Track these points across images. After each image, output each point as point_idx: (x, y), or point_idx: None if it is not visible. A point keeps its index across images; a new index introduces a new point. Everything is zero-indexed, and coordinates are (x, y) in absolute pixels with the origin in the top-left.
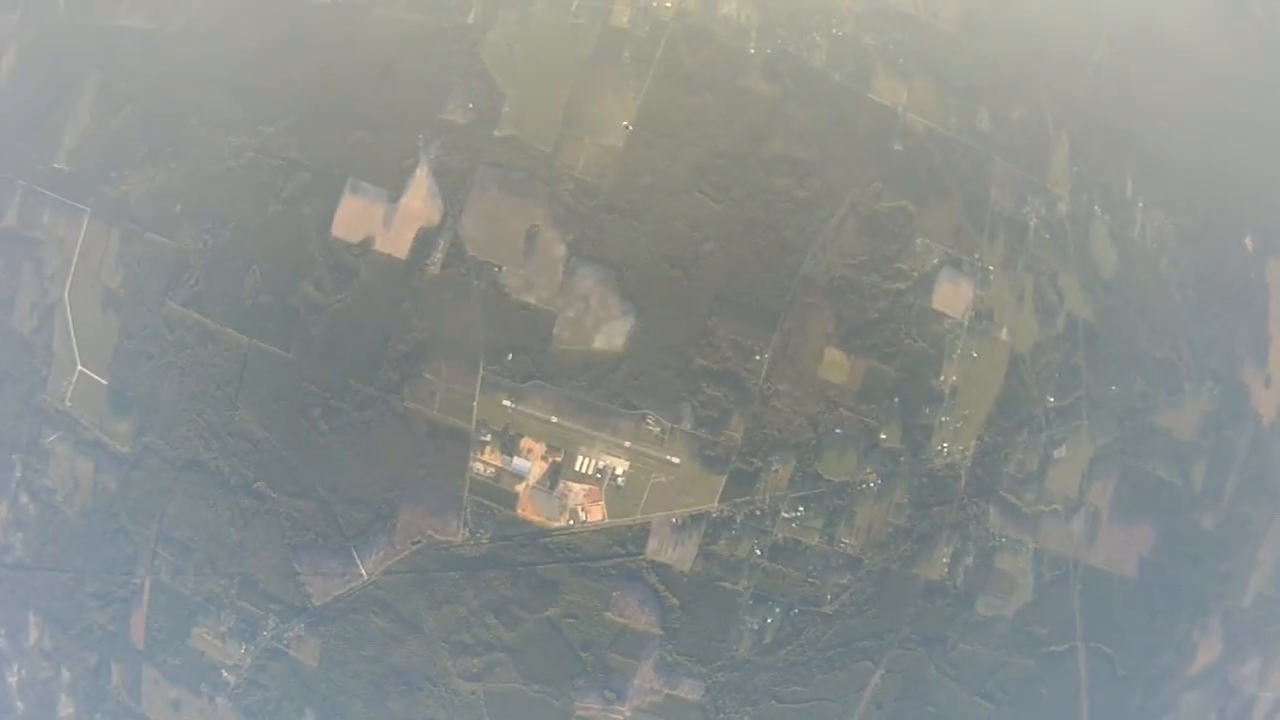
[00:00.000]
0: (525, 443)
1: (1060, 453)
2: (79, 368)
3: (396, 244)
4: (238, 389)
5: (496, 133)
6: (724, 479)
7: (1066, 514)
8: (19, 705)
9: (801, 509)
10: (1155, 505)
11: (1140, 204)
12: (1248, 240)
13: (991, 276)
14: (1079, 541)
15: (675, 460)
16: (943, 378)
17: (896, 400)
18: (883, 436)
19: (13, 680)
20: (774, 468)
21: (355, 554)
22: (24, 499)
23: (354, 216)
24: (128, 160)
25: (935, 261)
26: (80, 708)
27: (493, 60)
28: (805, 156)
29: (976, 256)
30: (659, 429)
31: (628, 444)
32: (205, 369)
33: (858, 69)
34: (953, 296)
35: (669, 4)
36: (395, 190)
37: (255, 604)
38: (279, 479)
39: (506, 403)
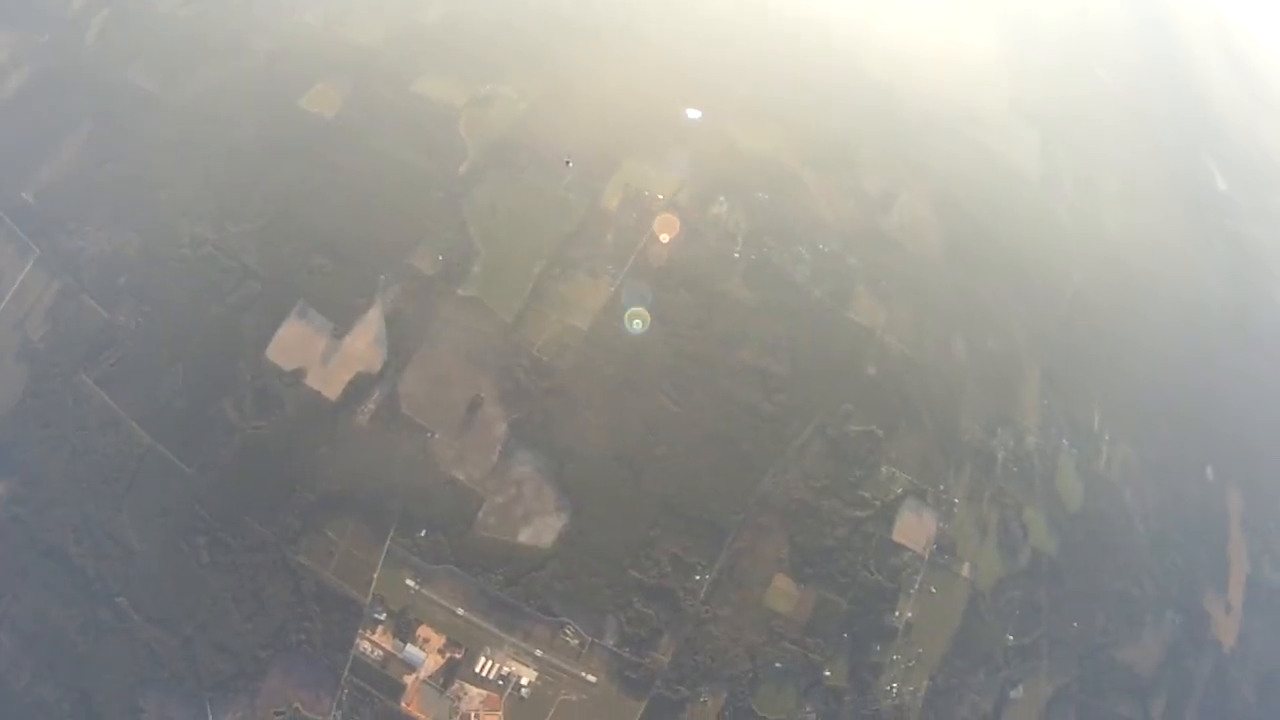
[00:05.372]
0: (423, 631)
1: (1017, 693)
2: None
3: (330, 383)
4: (126, 490)
5: (461, 291)
6: (643, 705)
7: None
8: None
9: None
10: None
11: (1107, 437)
12: (1209, 470)
13: (956, 509)
14: None
15: (591, 678)
16: (898, 613)
17: (846, 635)
18: (827, 673)
19: None
20: (702, 699)
21: (209, 708)
22: None
23: (293, 343)
24: (91, 216)
25: (899, 491)
26: None
27: (473, 216)
28: (776, 370)
29: (942, 488)
30: (578, 641)
31: (539, 653)
32: (99, 457)
33: (839, 287)
34: (915, 528)
35: (661, 195)
36: (342, 326)
37: None
38: (144, 600)
39: (410, 582)
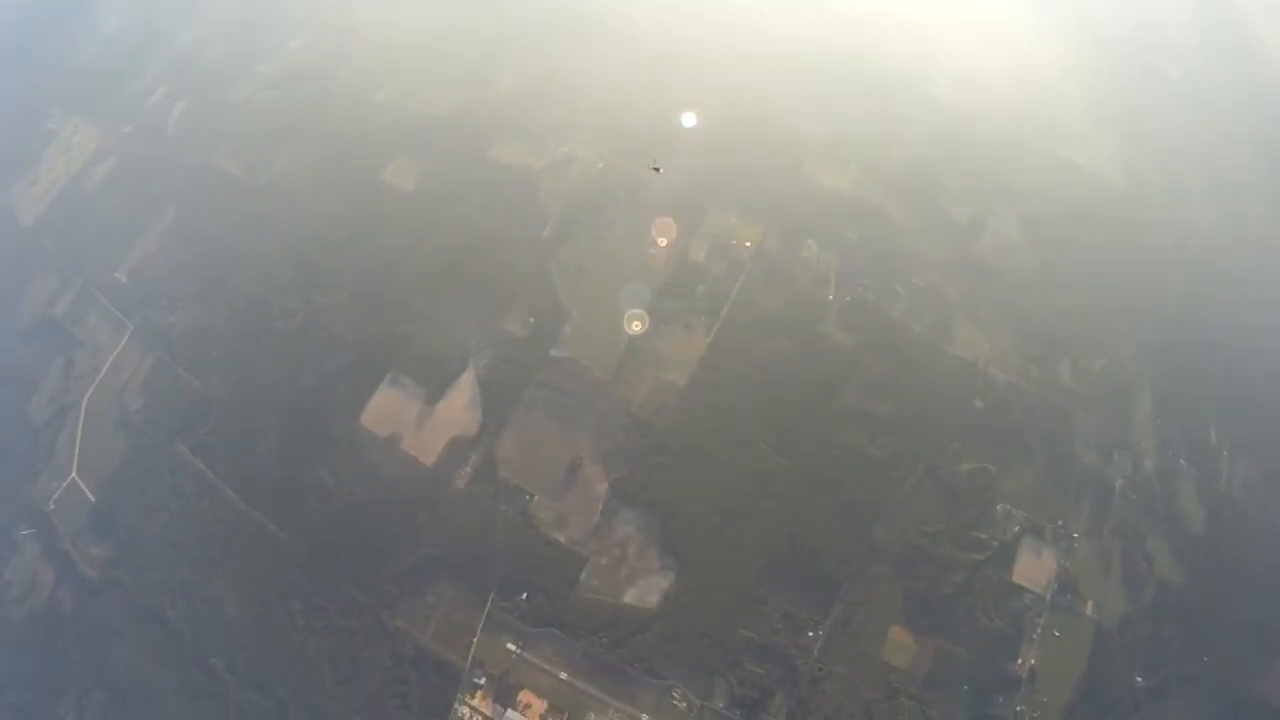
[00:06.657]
0: (524, 696)
1: None
2: (73, 475)
3: (425, 449)
4: (221, 554)
5: (554, 352)
6: None
7: None
8: None
9: None
10: None
11: (1225, 452)
12: None
13: (1076, 544)
14: None
15: None
16: (1021, 660)
17: (966, 687)
18: None
19: None
20: None
21: None
22: None
23: (387, 410)
24: (181, 293)
25: (1016, 529)
26: None
27: (561, 277)
28: (881, 412)
29: (1060, 523)
30: (685, 704)
31: (645, 717)
32: (194, 523)
33: (938, 320)
34: (1034, 568)
35: (749, 243)
36: (435, 392)
37: None
38: (238, 663)
39: (511, 646)
